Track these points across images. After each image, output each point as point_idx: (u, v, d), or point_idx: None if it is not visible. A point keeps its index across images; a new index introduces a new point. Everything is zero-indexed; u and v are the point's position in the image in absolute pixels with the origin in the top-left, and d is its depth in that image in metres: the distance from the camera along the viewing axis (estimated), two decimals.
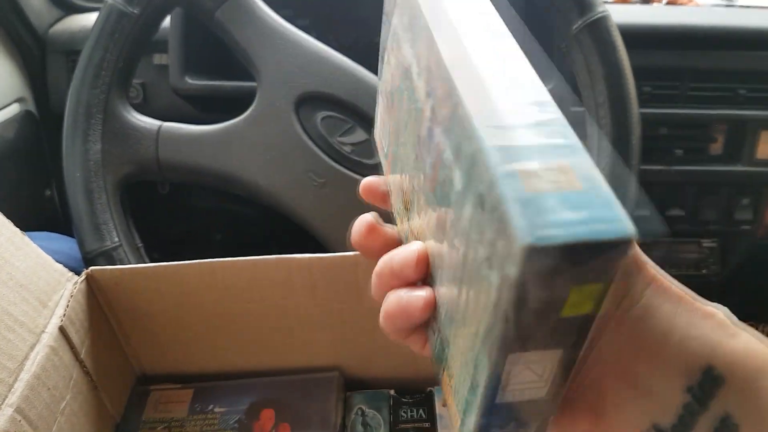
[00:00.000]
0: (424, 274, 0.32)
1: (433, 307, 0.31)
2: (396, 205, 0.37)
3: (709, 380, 0.25)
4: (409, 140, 0.33)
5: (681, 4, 1.13)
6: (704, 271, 1.10)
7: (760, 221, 1.06)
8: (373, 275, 0.34)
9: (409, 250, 0.32)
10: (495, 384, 0.24)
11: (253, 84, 0.73)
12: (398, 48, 0.34)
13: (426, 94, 0.29)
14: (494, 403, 0.25)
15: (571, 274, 0.20)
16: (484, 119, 0.23)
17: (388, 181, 0.39)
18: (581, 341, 0.24)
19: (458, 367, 0.28)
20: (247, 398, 0.66)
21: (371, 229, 0.36)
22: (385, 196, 0.40)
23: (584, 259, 0.20)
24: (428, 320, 0.32)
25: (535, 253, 0.19)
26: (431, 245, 0.30)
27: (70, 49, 0.99)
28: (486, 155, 0.21)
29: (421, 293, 0.31)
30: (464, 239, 0.24)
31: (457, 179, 0.24)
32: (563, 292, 0.21)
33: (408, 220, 0.35)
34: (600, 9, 0.70)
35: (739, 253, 1.09)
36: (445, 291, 0.29)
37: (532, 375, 0.25)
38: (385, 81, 0.38)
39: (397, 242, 0.37)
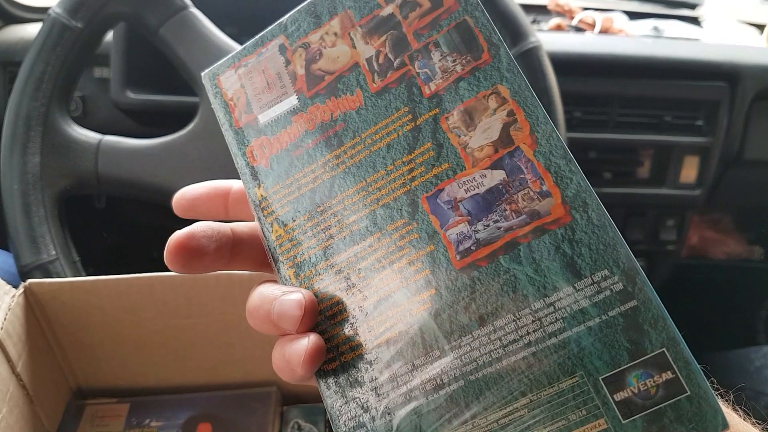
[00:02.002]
0: (309, 328, 0.28)
1: (319, 358, 0.28)
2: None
3: None
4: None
5: (612, 34, 1.19)
6: None
7: (684, 242, 1.12)
8: (247, 311, 0.29)
9: (291, 299, 0.28)
10: None
11: (195, 99, 0.73)
12: None
13: None
14: None
15: None
16: None
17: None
18: None
19: None
20: (184, 412, 0.67)
21: (185, 251, 0.29)
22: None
23: None
24: (328, 374, 0.29)
25: None
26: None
27: (7, 60, 0.97)
28: None
29: (303, 343, 0.27)
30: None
31: None
32: None
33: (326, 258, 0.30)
34: (532, 39, 0.73)
35: (664, 272, 1.14)
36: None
37: None
38: None
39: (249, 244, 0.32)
